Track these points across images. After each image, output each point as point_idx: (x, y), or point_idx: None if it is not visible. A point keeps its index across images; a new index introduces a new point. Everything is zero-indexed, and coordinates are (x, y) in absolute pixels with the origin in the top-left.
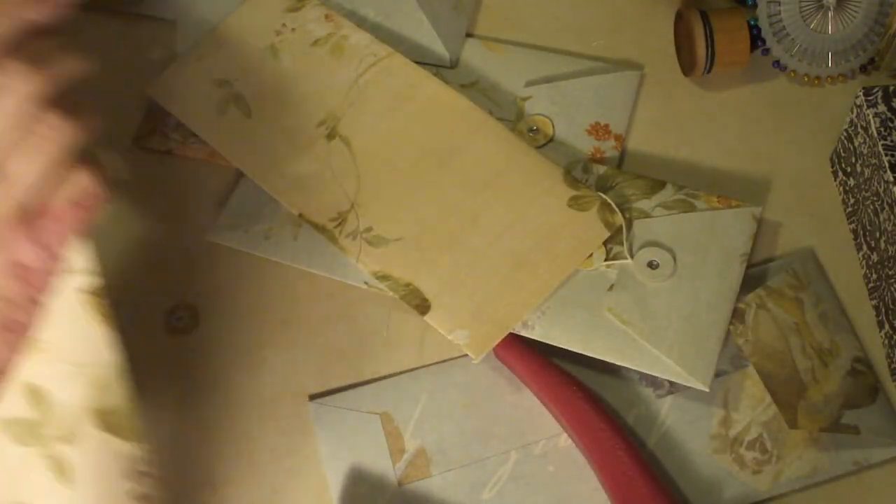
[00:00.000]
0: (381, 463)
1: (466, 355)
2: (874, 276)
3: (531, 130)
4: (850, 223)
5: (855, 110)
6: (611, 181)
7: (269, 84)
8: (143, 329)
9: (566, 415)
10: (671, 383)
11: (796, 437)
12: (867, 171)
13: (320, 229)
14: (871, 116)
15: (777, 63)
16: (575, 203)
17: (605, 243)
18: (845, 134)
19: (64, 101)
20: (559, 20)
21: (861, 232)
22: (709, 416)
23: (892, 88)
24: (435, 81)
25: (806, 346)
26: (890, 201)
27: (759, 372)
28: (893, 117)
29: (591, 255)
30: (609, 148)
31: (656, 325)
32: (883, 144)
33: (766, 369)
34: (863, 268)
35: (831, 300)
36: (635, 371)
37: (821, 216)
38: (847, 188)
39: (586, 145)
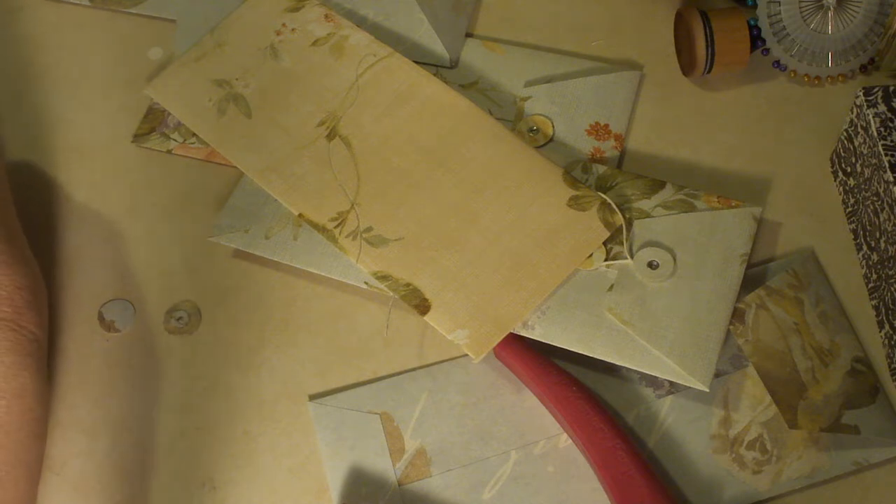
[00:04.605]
0: (381, 463)
1: (466, 355)
2: (874, 276)
3: (531, 130)
4: (850, 223)
5: (855, 110)
6: (611, 181)
7: (269, 84)
8: (143, 329)
9: (566, 415)
10: (671, 383)
11: (796, 437)
12: (867, 171)
13: (320, 229)
14: (871, 116)
15: (777, 63)
16: (575, 203)
17: (605, 243)
18: (845, 134)
19: None
20: (559, 20)
21: (861, 232)
22: (709, 416)
23: (892, 88)
24: (435, 81)
25: (806, 346)
26: (890, 201)
27: (759, 372)
28: (893, 117)
29: (591, 255)
30: (609, 148)
31: (656, 325)
32: (883, 144)
33: (766, 369)
34: (863, 268)
35: (831, 300)
36: (635, 371)
37: (821, 216)
38: (847, 188)
39: (586, 145)
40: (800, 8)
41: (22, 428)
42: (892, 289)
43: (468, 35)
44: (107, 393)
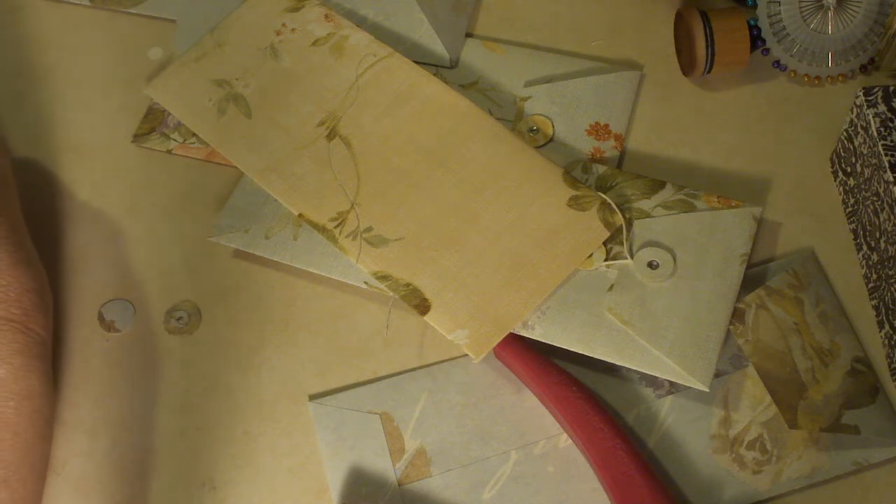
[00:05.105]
0: (381, 463)
1: (466, 355)
2: (874, 276)
3: (531, 130)
4: (850, 223)
5: (855, 110)
6: (611, 181)
7: (269, 84)
8: (143, 329)
9: (566, 415)
10: (671, 383)
11: (796, 437)
12: (867, 171)
13: (320, 229)
14: (871, 116)
15: (777, 63)
16: (575, 203)
17: (605, 243)
18: (845, 134)
19: None
20: (559, 20)
21: (861, 232)
22: (709, 416)
23: (892, 88)
24: (435, 81)
25: (806, 346)
26: (890, 201)
27: (759, 372)
28: (893, 117)
29: (591, 255)
30: (609, 148)
31: (656, 326)
32: (883, 144)
33: (766, 369)
34: (863, 268)
35: (831, 300)
36: (635, 371)
37: (821, 216)
38: (847, 188)
39: (586, 145)
40: (800, 8)
41: (29, 428)
42: (892, 289)
43: (468, 35)
44: (107, 393)
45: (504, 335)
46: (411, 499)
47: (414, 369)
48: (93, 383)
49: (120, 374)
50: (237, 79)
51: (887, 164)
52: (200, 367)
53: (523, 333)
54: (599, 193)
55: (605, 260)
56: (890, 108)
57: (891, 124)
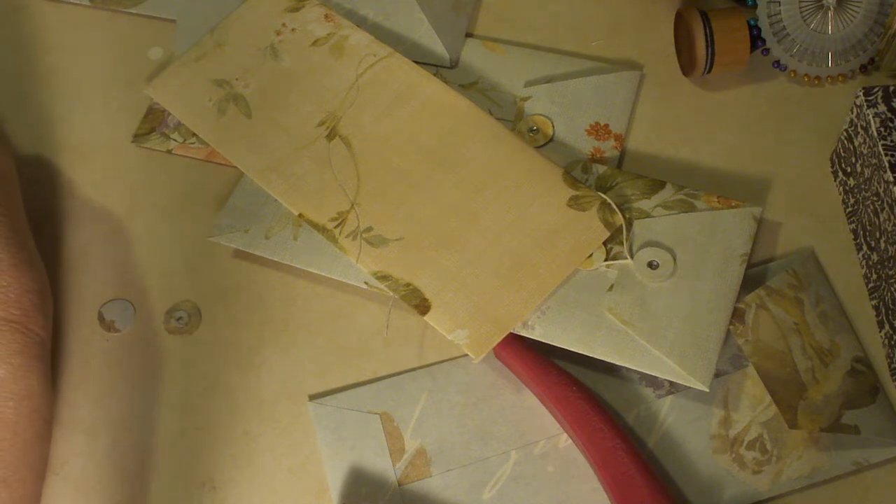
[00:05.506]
0: (381, 463)
1: (466, 355)
2: (874, 276)
3: (531, 130)
4: (850, 223)
5: (855, 110)
6: (611, 181)
7: (269, 84)
8: (143, 329)
9: (566, 415)
10: (671, 383)
11: (796, 437)
12: (867, 171)
13: (320, 229)
14: (871, 116)
15: (777, 63)
16: (575, 203)
17: (605, 243)
18: (845, 134)
19: None
20: (559, 20)
21: (861, 232)
22: (709, 416)
23: (892, 88)
24: (435, 81)
25: (806, 346)
26: (890, 201)
27: (759, 372)
28: (893, 117)
29: (591, 255)
30: (609, 148)
31: (656, 326)
32: (883, 144)
33: (766, 369)
34: (863, 268)
35: (831, 300)
36: (635, 371)
37: (821, 216)
38: (847, 188)
39: (586, 145)
40: (800, 8)
41: (29, 428)
42: (892, 289)
43: (468, 35)
44: (107, 393)
45: (504, 335)
46: (411, 499)
47: (414, 369)
48: (93, 383)
49: (120, 374)
50: (237, 79)
51: (887, 164)
52: (200, 367)
53: (523, 333)
54: (599, 193)
55: (605, 260)
56: (890, 108)
57: (891, 124)
